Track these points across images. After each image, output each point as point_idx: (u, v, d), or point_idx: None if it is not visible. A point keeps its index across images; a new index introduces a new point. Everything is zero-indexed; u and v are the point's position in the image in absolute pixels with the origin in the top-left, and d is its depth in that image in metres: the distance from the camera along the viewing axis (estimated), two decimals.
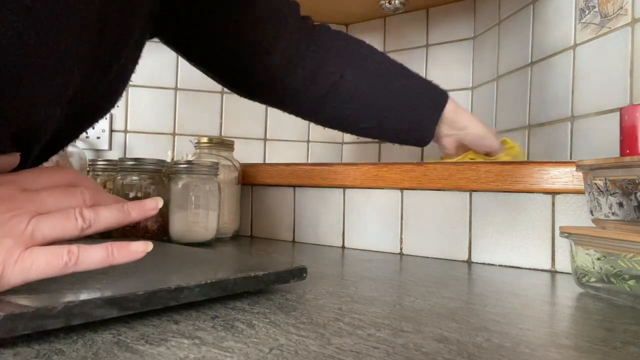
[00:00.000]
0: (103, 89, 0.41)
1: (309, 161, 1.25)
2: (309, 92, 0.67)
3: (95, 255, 0.30)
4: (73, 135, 0.44)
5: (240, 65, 0.63)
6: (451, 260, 0.63)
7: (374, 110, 0.69)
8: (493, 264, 0.60)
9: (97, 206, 0.33)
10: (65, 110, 0.36)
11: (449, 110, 0.71)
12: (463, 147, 0.75)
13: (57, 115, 0.35)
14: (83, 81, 0.36)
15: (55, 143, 0.41)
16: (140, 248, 0.31)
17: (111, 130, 1.15)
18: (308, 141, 1.26)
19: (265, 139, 1.23)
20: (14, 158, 0.35)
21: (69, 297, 0.28)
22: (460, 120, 0.72)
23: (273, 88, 0.67)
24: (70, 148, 0.67)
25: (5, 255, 0.28)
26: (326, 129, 0.74)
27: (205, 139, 0.80)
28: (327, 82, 0.67)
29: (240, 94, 0.71)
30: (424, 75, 1.17)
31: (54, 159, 0.64)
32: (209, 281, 0.35)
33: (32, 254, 0.29)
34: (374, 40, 1.25)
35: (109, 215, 0.32)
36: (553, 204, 0.56)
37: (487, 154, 0.74)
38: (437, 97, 0.71)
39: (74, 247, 0.30)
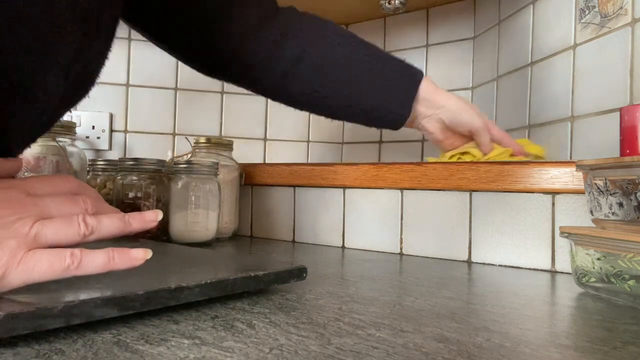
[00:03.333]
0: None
1: (309, 161, 1.25)
2: (271, 67, 0.65)
3: (97, 260, 0.31)
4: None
5: (197, 33, 0.61)
6: (451, 260, 0.63)
7: (341, 88, 0.67)
8: (493, 264, 0.60)
9: (99, 214, 0.33)
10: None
11: (424, 89, 0.68)
12: (448, 130, 0.72)
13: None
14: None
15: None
16: (140, 255, 0.33)
17: (111, 130, 1.15)
18: (308, 141, 1.25)
19: (265, 139, 1.23)
20: (18, 163, 0.35)
21: (69, 297, 0.28)
22: (438, 98, 0.69)
23: (231, 60, 0.65)
24: (70, 148, 0.67)
25: (8, 256, 0.28)
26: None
27: (204, 139, 0.80)
28: (289, 57, 0.65)
29: (199, 69, 0.68)
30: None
31: (53, 159, 0.64)
32: (209, 281, 0.35)
33: (34, 255, 0.29)
34: (374, 41, 1.25)
35: (111, 224, 0.33)
36: (553, 204, 0.56)
37: (472, 136, 0.71)
38: (411, 76, 0.69)
39: (76, 251, 0.30)
